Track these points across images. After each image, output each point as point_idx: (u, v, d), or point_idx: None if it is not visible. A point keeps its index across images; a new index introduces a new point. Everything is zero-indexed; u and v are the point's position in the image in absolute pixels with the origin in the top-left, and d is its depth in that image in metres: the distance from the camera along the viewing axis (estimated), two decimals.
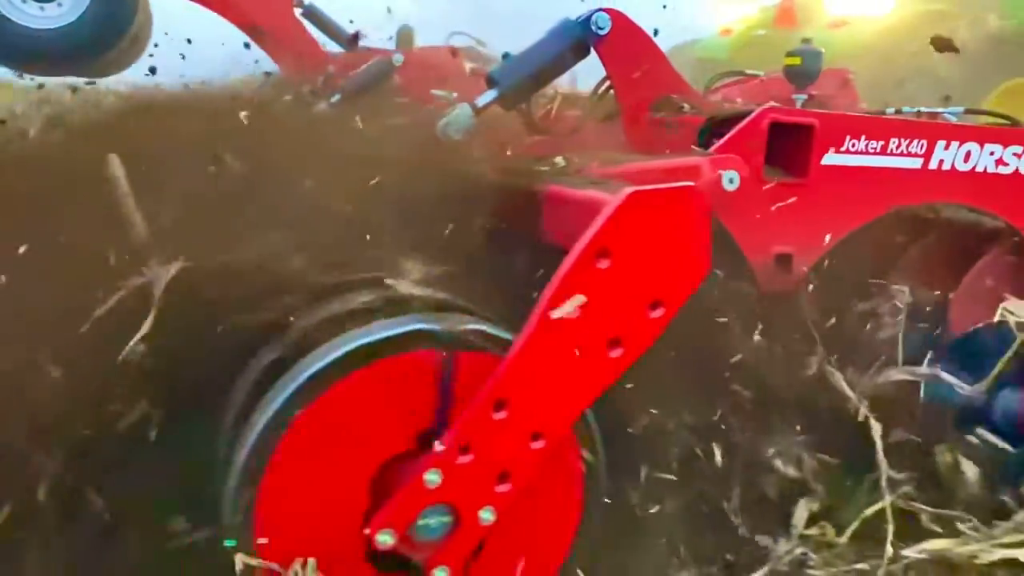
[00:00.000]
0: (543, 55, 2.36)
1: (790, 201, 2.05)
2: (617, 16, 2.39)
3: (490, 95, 2.30)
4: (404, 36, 5.12)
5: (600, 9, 2.37)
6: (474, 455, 1.47)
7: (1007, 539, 2.00)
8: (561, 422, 1.52)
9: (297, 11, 4.98)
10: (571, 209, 1.66)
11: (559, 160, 1.98)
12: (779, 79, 3.78)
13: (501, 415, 1.46)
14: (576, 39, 2.37)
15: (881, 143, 2.17)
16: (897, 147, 2.19)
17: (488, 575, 1.56)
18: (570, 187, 1.75)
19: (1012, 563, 1.97)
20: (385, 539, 1.46)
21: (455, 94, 3.79)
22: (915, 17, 7.84)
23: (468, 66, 4.98)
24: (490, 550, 1.56)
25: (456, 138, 2.15)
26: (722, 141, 2.06)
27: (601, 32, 2.38)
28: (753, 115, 2.07)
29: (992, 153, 2.28)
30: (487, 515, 1.50)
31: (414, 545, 1.47)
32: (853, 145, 2.15)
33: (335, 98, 3.45)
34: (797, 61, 3.51)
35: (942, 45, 3.41)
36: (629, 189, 1.46)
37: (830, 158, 2.13)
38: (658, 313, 1.50)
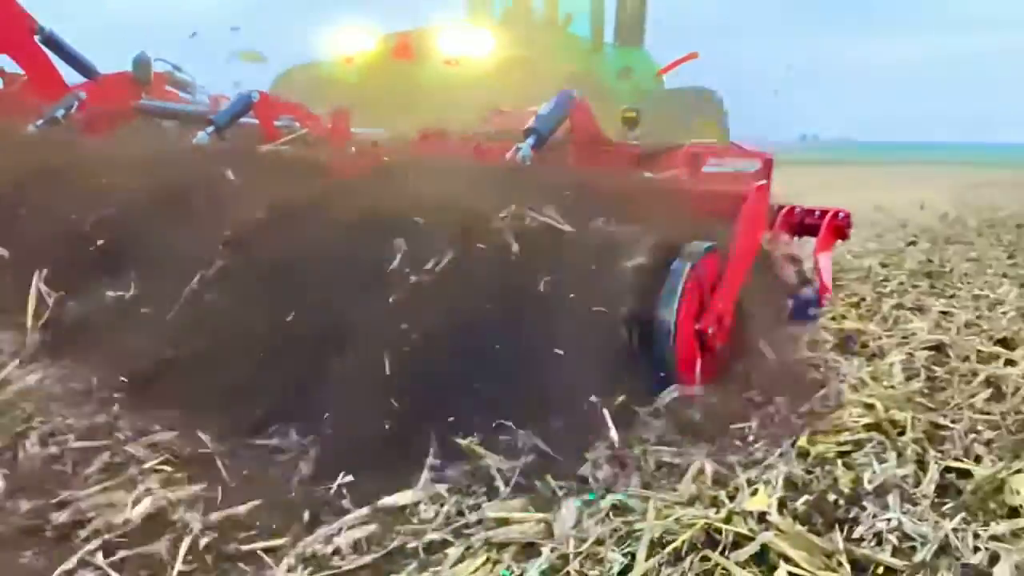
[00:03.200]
0: (556, 114, 3.49)
1: None
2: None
3: (533, 139, 3.34)
4: (142, 64, 5.38)
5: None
6: (722, 304, 2.85)
7: None
8: (738, 289, 2.91)
9: (36, 38, 5.20)
10: (716, 196, 3.21)
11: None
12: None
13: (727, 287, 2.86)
14: (569, 103, 3.54)
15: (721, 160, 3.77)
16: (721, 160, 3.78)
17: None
18: (700, 186, 3.47)
19: None
20: (711, 329, 2.79)
21: (297, 123, 4.67)
22: (508, 60, 9.85)
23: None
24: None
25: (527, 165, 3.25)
26: (671, 162, 3.67)
27: (578, 100, 3.61)
28: (685, 148, 3.81)
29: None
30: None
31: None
32: (710, 162, 3.73)
33: (210, 129, 4.22)
34: (632, 115, 4.97)
35: (629, 122, 4.89)
36: (755, 184, 3.13)
37: (705, 168, 3.70)
38: (759, 236, 3.12)
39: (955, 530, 1.97)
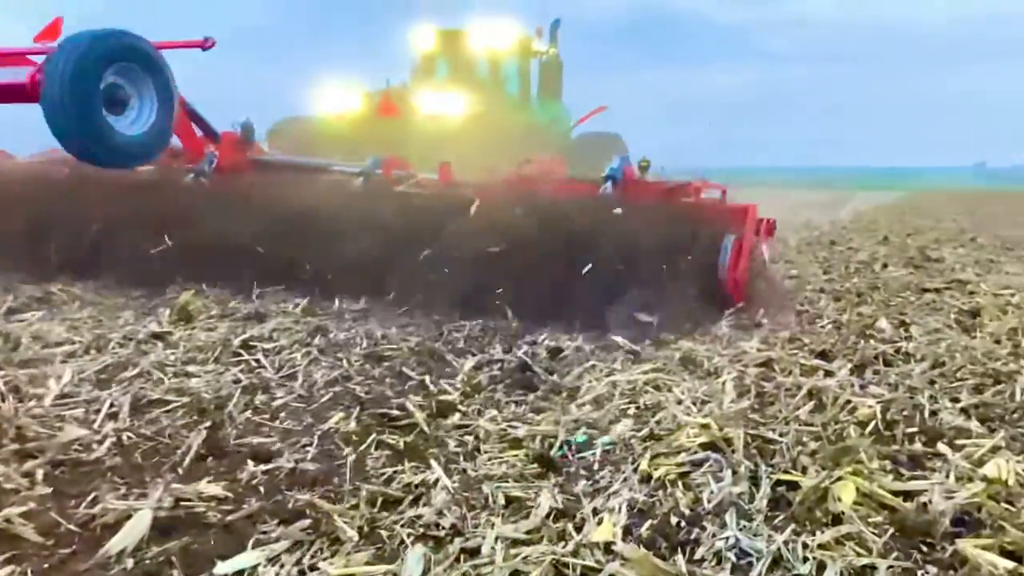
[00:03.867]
0: (620, 167, 5.39)
1: None
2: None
3: (611, 183, 5.31)
4: (247, 128, 6.51)
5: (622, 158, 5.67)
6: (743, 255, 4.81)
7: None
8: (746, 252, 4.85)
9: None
10: (726, 210, 5.21)
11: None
12: (558, 159, 7.72)
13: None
14: (625, 161, 5.57)
15: (707, 191, 5.55)
16: (704, 192, 5.55)
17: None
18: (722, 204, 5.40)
19: None
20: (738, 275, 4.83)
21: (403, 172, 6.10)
22: (477, 116, 12.08)
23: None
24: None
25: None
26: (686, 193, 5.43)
27: (627, 160, 5.71)
28: (691, 183, 5.45)
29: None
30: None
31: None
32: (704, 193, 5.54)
33: (361, 180, 5.91)
34: (647, 163, 6.12)
35: (643, 169, 6.09)
36: (752, 203, 5.14)
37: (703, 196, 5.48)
38: (753, 229, 5.04)
39: (786, 542, 2.06)
